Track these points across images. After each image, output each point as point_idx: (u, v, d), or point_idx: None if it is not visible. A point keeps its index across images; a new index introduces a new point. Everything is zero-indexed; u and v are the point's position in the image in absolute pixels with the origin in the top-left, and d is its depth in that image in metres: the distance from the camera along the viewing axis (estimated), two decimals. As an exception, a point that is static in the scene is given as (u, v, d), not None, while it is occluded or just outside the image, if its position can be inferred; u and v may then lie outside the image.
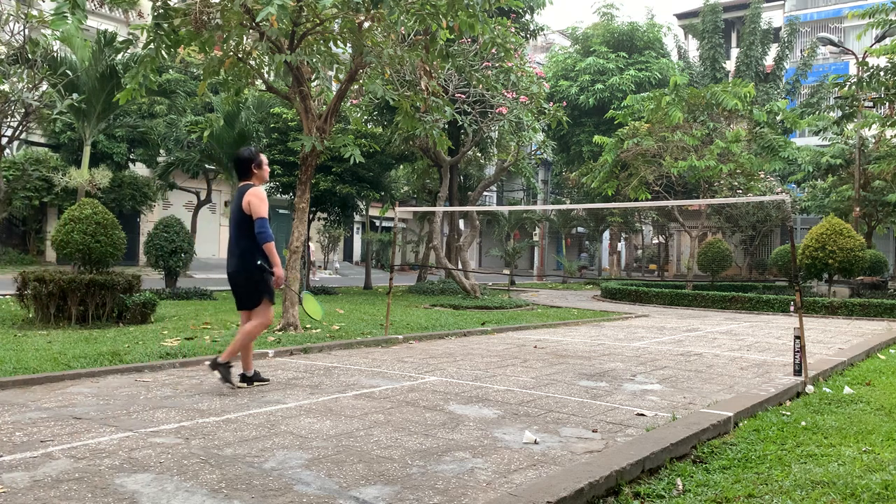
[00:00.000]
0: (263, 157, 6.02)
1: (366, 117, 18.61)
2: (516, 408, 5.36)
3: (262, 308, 5.84)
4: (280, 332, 9.21)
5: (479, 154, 23.51)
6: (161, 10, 8.71)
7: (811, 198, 27.66)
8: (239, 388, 5.84)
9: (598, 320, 13.61)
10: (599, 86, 30.28)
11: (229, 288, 5.96)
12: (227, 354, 5.79)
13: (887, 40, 18.46)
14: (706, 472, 3.87)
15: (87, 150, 14.57)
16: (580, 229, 44.53)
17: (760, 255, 34.46)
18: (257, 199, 5.68)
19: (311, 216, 17.38)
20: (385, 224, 41.02)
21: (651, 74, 30.55)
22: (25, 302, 9.66)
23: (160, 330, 9.20)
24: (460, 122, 16.67)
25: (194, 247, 15.88)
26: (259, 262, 5.70)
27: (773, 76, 34.99)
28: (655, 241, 43.88)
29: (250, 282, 5.76)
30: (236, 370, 5.94)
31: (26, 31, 13.10)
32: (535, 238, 39.84)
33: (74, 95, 12.88)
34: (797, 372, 6.68)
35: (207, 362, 5.88)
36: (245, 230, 5.73)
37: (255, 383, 5.94)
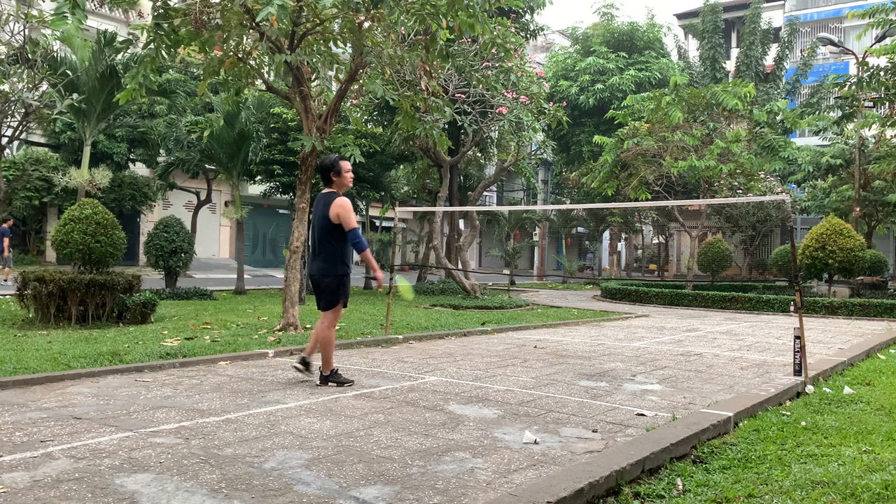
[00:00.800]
0: (343, 164, 6.22)
1: (366, 117, 18.61)
2: (516, 408, 5.36)
3: (335, 310, 6.14)
4: (280, 332, 9.21)
5: (479, 154, 23.52)
6: (161, 10, 8.71)
7: (811, 198, 27.66)
8: (296, 370, 6.17)
9: (598, 320, 13.61)
10: (599, 86, 30.27)
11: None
12: (325, 366, 6.13)
13: (887, 40, 18.47)
14: (706, 472, 3.87)
15: (87, 150, 14.56)
16: (580, 229, 44.52)
17: (760, 255, 34.45)
18: (345, 210, 5.94)
19: (311, 216, 17.36)
20: (385, 224, 41.03)
21: (651, 74, 30.55)
22: (25, 302, 9.66)
23: (160, 330, 9.20)
24: (460, 122, 16.66)
25: (194, 247, 15.88)
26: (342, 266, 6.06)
27: (773, 76, 34.99)
28: (655, 241, 43.89)
29: (332, 285, 6.02)
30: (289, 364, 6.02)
31: (26, 31, 13.10)
32: (535, 238, 39.83)
33: (74, 95, 12.88)
34: (797, 372, 6.68)
35: (317, 382, 6.15)
36: (330, 237, 6.00)
37: (330, 382, 6.10)
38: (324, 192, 6.19)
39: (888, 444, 4.45)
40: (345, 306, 6.20)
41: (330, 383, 6.08)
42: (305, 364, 6.17)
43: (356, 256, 6.28)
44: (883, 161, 21.78)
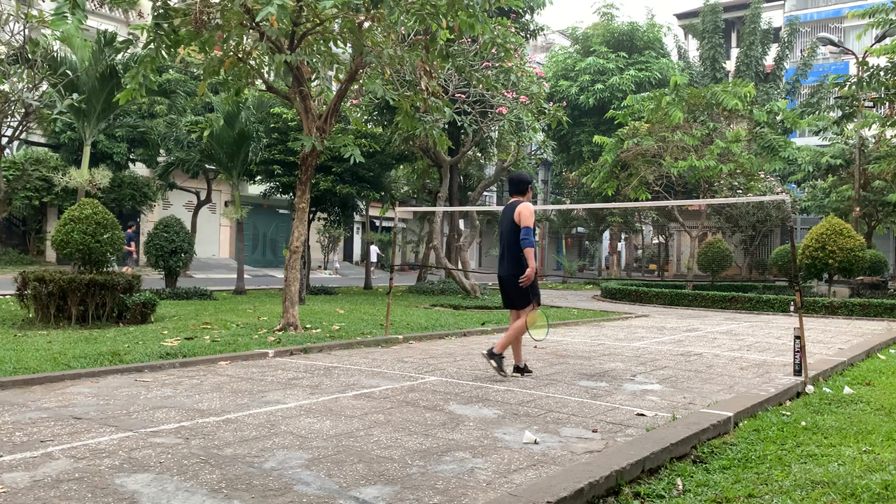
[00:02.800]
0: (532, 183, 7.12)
1: (366, 117, 18.60)
2: (516, 408, 5.36)
3: (529, 308, 6.62)
4: (280, 332, 9.21)
5: (479, 154, 23.52)
6: (161, 10, 8.71)
7: (811, 198, 27.66)
8: (513, 376, 6.65)
9: (598, 320, 13.61)
10: (599, 86, 30.28)
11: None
12: (500, 346, 6.64)
13: (887, 40, 18.47)
14: (706, 472, 3.87)
15: (87, 150, 14.56)
16: (580, 229, 44.55)
17: (760, 255, 34.46)
18: (528, 211, 6.52)
19: (311, 216, 17.39)
20: (385, 224, 41.02)
21: (651, 74, 30.56)
22: (25, 302, 9.66)
23: (160, 330, 9.20)
24: (460, 122, 16.66)
25: (194, 247, 15.88)
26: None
27: (773, 76, 35.00)
28: (655, 241, 43.88)
29: (519, 286, 6.50)
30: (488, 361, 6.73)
31: (26, 31, 13.10)
32: (535, 238, 39.80)
33: (74, 95, 12.87)
34: (797, 372, 6.68)
35: (483, 351, 6.86)
36: (518, 239, 6.49)
37: (525, 374, 6.72)
38: (510, 201, 6.75)
39: (888, 444, 4.45)
40: (538, 304, 6.66)
41: (525, 374, 6.75)
42: (495, 357, 6.63)
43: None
44: (883, 161, 21.78)
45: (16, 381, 5.72)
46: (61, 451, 3.95)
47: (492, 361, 6.58)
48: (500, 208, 7.24)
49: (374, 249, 34.07)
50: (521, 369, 6.78)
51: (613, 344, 9.75)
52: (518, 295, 6.57)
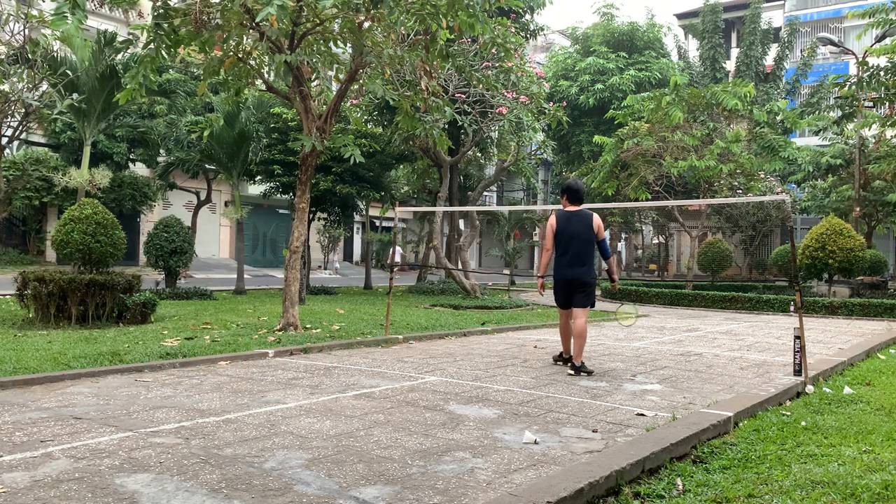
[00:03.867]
0: None
1: (366, 117, 18.60)
2: (516, 408, 5.36)
3: (587, 309, 7.19)
4: (280, 332, 9.21)
5: (479, 154, 23.51)
6: (161, 10, 8.71)
7: (811, 198, 27.66)
8: (568, 374, 6.98)
9: (598, 320, 13.60)
10: (599, 86, 30.27)
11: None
12: (577, 356, 7.07)
13: (887, 40, 18.46)
14: (706, 472, 3.87)
15: (87, 150, 14.56)
16: (580, 229, 44.49)
17: (760, 255, 34.44)
18: (603, 224, 7.29)
19: (311, 216, 17.40)
20: (385, 224, 41.02)
21: (651, 74, 30.55)
22: (25, 302, 9.66)
23: (160, 330, 9.20)
24: (460, 122, 16.66)
25: (194, 247, 15.87)
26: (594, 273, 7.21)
27: (773, 76, 34.99)
28: (655, 241, 43.86)
29: (592, 287, 7.19)
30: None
31: (26, 31, 13.10)
32: (535, 238, 39.80)
33: (74, 95, 12.87)
34: (797, 372, 6.68)
35: (569, 372, 7.06)
36: (592, 247, 7.19)
37: (565, 364, 7.30)
38: (573, 209, 7.32)
39: (888, 444, 4.45)
40: (593, 306, 7.32)
41: (582, 373, 6.97)
42: (578, 368, 6.99)
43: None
44: (883, 161, 21.78)
45: (16, 381, 5.72)
46: (61, 451, 3.95)
47: (581, 374, 6.93)
48: (501, 208, 7.40)
49: (398, 250, 34.49)
50: (564, 359, 7.38)
51: (613, 344, 9.75)
52: (589, 296, 7.16)
